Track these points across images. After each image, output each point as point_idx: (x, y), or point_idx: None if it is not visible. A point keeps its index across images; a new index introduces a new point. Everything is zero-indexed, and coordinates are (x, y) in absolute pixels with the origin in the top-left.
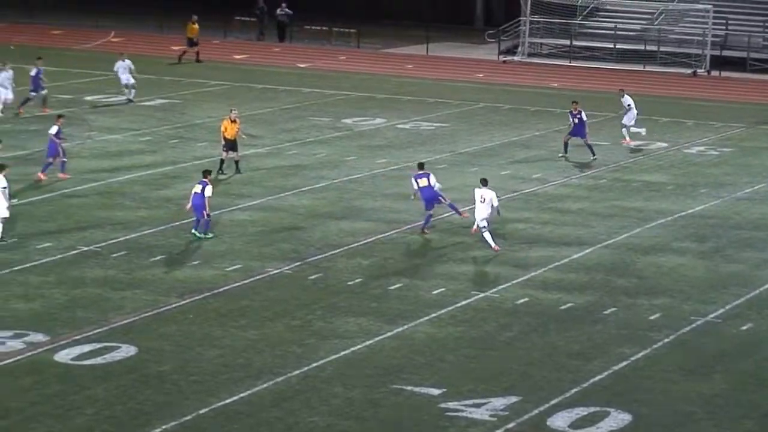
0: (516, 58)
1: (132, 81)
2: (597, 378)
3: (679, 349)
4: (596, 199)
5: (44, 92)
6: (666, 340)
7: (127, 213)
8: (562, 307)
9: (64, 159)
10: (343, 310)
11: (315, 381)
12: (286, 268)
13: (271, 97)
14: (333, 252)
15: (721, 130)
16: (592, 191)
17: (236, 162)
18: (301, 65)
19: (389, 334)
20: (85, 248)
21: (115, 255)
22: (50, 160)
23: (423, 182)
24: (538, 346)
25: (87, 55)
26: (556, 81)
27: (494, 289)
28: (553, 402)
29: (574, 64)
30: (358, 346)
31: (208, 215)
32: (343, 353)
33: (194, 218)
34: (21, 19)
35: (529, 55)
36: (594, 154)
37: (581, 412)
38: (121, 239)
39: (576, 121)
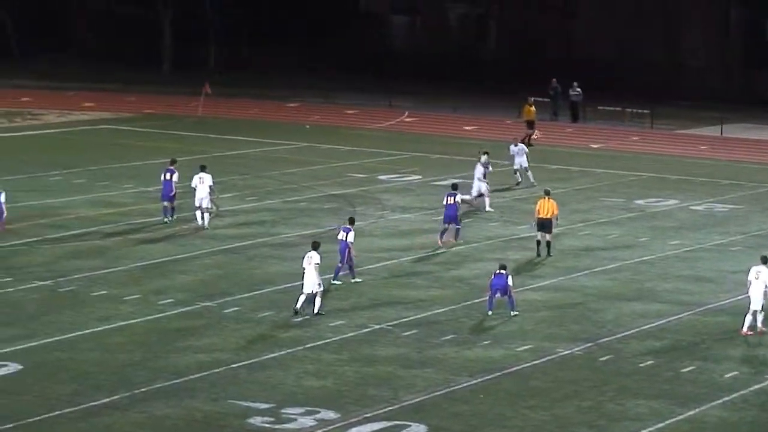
0: None
1: (526, 164)
2: None
3: None
4: None
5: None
6: None
7: (418, 292)
8: None
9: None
10: (634, 392)
11: None
12: (577, 349)
13: (564, 177)
14: (624, 333)
15: None
16: None
17: (548, 243)
18: (594, 146)
19: (681, 417)
20: (377, 326)
21: (406, 333)
22: (446, 226)
23: None
24: None
25: (380, 134)
26: None
27: None
28: None
29: None
30: (650, 429)
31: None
32: None
33: (488, 297)
34: (315, 100)
35: None
36: None
37: None
38: (412, 318)
39: None
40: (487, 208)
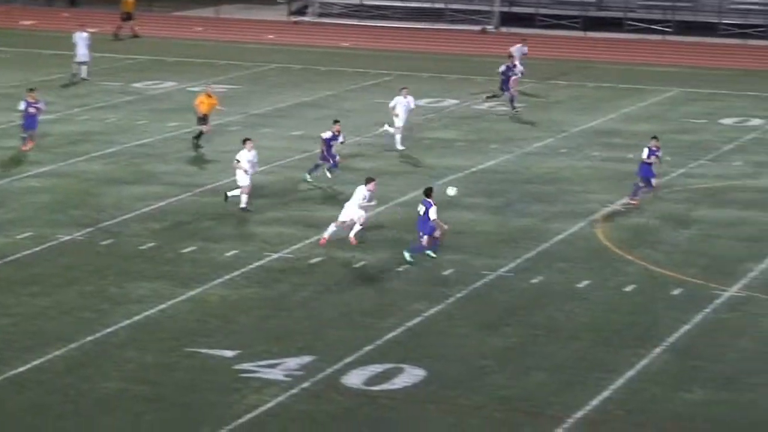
0: (306, 18)
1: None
2: (391, 335)
3: (471, 303)
4: (388, 157)
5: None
6: (459, 295)
7: None
8: (356, 266)
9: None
10: (136, 274)
11: (108, 347)
12: (78, 234)
13: (60, 63)
14: (125, 217)
15: None
16: (383, 149)
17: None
18: (91, 30)
19: (183, 297)
20: None
21: None
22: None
23: None
24: (332, 304)
25: None
26: (347, 41)
27: (288, 250)
28: (347, 360)
29: (364, 23)
30: (152, 311)
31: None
32: (136, 318)
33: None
34: None
35: (320, 15)
36: None
37: (376, 369)
38: None
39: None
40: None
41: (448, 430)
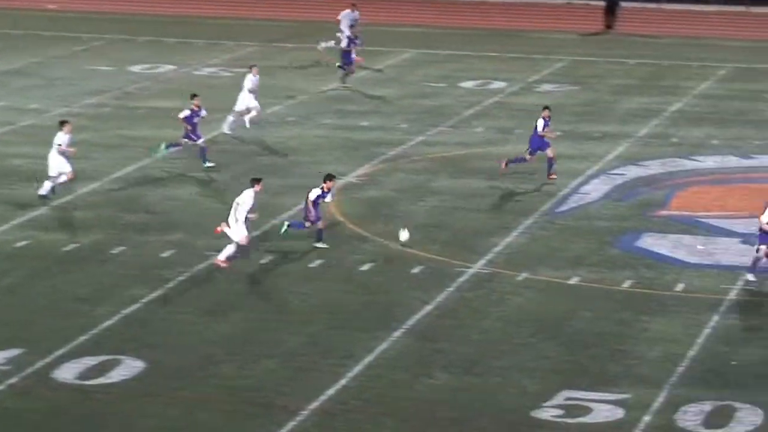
0: None
1: None
2: (107, 324)
3: (194, 287)
4: (99, 128)
5: None
6: (180, 278)
7: None
8: (66, 248)
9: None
10: None
11: None
12: None
13: None
14: None
15: (234, 50)
16: (94, 120)
17: None
18: None
19: None
20: None
21: None
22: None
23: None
24: (41, 292)
25: None
26: (54, 2)
27: None
28: (59, 353)
29: None
30: None
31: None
32: None
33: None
34: None
35: None
36: None
37: (90, 361)
38: None
39: None
40: (248, 125)
41: (172, 425)
